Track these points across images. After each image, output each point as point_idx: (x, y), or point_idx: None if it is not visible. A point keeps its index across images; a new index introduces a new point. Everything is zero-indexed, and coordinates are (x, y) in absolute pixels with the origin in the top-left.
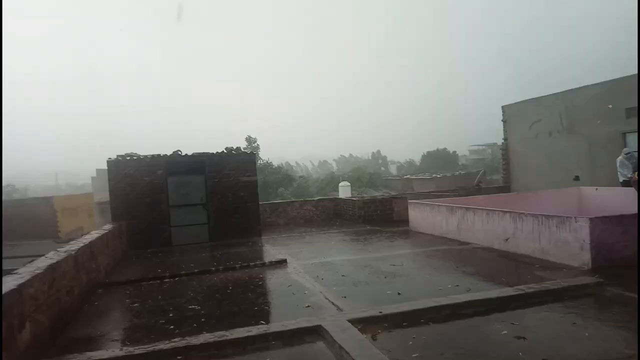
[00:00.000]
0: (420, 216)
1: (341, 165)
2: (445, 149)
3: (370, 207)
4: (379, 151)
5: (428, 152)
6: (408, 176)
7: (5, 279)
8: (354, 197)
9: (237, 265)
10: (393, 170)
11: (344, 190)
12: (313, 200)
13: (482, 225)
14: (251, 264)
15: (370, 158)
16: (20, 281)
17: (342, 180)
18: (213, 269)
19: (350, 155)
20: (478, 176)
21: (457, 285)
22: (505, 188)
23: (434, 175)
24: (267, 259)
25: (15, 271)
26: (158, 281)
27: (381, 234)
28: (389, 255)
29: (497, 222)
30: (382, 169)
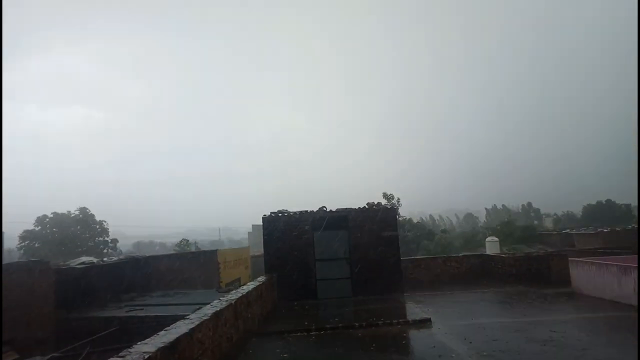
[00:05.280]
0: (585, 277)
1: (491, 217)
2: (609, 200)
3: (523, 265)
4: (530, 203)
5: (589, 204)
6: (567, 230)
7: (178, 323)
8: (504, 253)
9: (379, 322)
10: (548, 223)
11: (492, 246)
12: (458, 256)
13: None
14: (394, 321)
15: (520, 211)
16: (192, 326)
17: (490, 235)
18: (357, 324)
19: (504, 206)
20: None
21: None
22: None
23: (599, 230)
24: (410, 317)
25: (188, 317)
26: (305, 333)
27: (537, 295)
28: (547, 320)
29: None
30: (535, 222)
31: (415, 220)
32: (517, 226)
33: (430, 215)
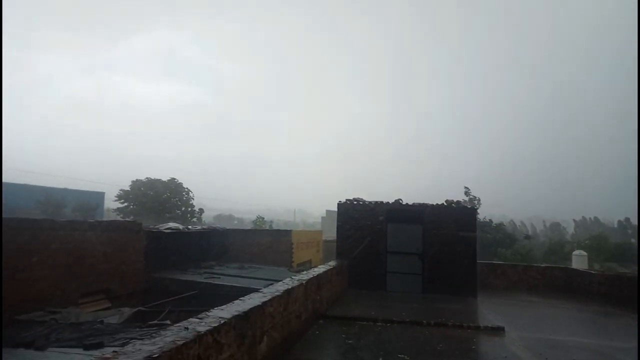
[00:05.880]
0: None
1: (580, 230)
2: None
3: (614, 285)
4: (627, 219)
5: None
6: None
7: (252, 295)
8: (593, 269)
9: (449, 323)
10: None
11: (579, 261)
12: (540, 266)
13: None
14: (464, 324)
15: (615, 226)
16: (264, 299)
17: (578, 249)
18: (424, 322)
19: (596, 219)
20: None
21: None
22: None
23: None
24: (481, 323)
25: (261, 290)
26: (372, 323)
27: (629, 320)
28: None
29: None
30: (632, 240)
31: (494, 223)
32: (610, 242)
33: (512, 220)
